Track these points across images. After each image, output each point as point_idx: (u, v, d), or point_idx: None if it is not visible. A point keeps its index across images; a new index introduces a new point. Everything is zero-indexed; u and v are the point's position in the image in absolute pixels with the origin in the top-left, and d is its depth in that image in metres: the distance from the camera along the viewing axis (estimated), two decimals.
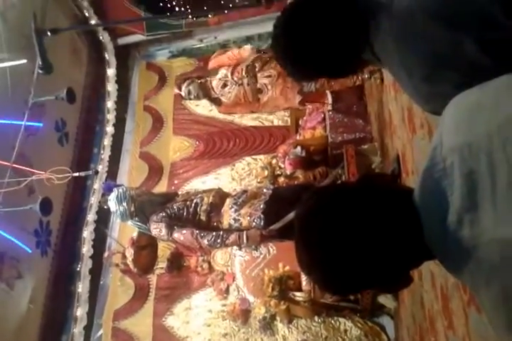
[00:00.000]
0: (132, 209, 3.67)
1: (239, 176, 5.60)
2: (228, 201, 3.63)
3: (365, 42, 1.15)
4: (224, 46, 6.31)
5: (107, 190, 3.91)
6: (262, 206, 3.48)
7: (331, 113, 4.77)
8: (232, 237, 3.37)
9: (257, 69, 4.29)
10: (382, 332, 4.25)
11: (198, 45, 6.45)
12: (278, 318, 4.52)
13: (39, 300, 4.96)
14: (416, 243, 0.82)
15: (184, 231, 3.48)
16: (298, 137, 5.15)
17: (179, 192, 4.21)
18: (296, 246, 0.89)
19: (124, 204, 3.65)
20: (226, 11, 6.05)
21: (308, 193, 0.95)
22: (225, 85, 4.37)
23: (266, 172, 5.19)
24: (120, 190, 3.73)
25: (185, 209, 3.61)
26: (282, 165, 4.99)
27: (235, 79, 4.31)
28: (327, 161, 4.65)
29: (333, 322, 4.38)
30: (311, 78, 1.40)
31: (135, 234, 4.18)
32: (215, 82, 4.39)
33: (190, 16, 6.15)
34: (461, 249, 0.74)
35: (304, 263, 0.89)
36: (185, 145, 6.02)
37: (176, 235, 3.50)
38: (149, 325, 5.03)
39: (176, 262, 5.03)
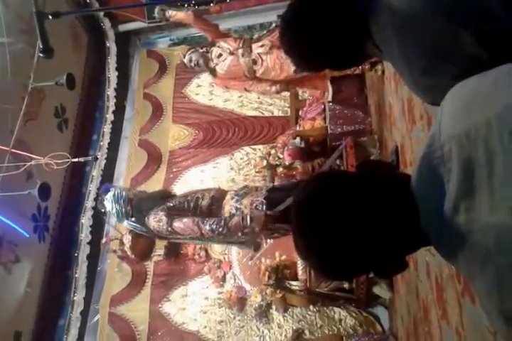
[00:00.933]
0: (128, 207, 3.60)
1: (237, 166, 5.61)
2: (229, 194, 3.62)
3: (365, 35, 1.17)
4: (225, 35, 6.28)
5: (105, 192, 3.85)
6: (264, 192, 3.47)
7: (331, 104, 4.76)
8: (236, 219, 3.31)
9: (252, 41, 4.38)
10: (377, 322, 4.30)
11: (199, 34, 6.39)
12: (274, 307, 4.57)
13: (36, 285, 4.99)
14: (412, 229, 0.83)
15: (185, 220, 3.42)
16: (297, 128, 5.15)
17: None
18: (294, 231, 0.90)
19: (121, 202, 3.59)
20: (228, 0, 6.00)
21: (306, 179, 0.96)
22: (220, 55, 4.43)
23: (264, 162, 5.20)
24: (117, 190, 3.68)
25: (185, 203, 3.58)
26: (281, 156, 5.00)
27: (231, 48, 4.38)
28: (326, 152, 4.66)
29: (328, 311, 4.42)
30: (317, 69, 1.43)
31: None
32: (213, 52, 4.45)
33: (192, 4, 6.10)
34: (457, 236, 0.75)
35: (300, 248, 0.90)
36: (185, 134, 6.01)
37: (175, 224, 3.44)
38: (146, 311, 5.07)
39: (174, 249, 5.06)
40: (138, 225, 3.66)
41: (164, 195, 3.79)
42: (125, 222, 3.72)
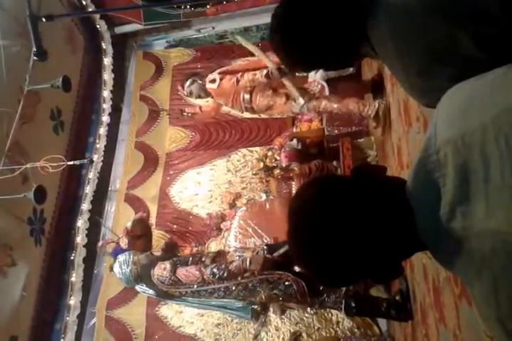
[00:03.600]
0: (135, 273, 3.70)
1: (234, 168, 5.61)
2: (232, 251, 3.92)
3: (362, 36, 1.15)
4: (221, 37, 6.28)
5: (114, 255, 3.97)
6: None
7: None
8: (236, 262, 3.50)
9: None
10: (374, 325, 4.28)
11: (196, 36, 6.40)
12: (271, 309, 4.54)
13: (33, 288, 4.96)
14: (408, 235, 0.82)
15: (189, 267, 3.61)
16: (294, 129, 5.15)
17: None
18: (290, 239, 0.89)
19: (127, 269, 3.70)
20: (224, 2, 6.00)
21: (303, 186, 0.95)
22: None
23: (261, 164, 5.19)
24: (123, 257, 3.76)
25: (190, 258, 3.80)
26: (278, 158, 5.00)
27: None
28: (323, 154, 4.66)
29: (325, 313, 4.40)
30: (309, 69, 1.41)
31: (129, 224, 4.19)
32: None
33: (188, 6, 6.10)
34: (453, 241, 0.74)
35: (297, 255, 0.89)
36: (181, 136, 6.00)
37: (179, 271, 3.59)
38: (142, 315, 5.05)
39: (170, 252, 5.03)
40: (148, 289, 3.77)
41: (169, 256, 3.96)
42: (137, 287, 3.85)
